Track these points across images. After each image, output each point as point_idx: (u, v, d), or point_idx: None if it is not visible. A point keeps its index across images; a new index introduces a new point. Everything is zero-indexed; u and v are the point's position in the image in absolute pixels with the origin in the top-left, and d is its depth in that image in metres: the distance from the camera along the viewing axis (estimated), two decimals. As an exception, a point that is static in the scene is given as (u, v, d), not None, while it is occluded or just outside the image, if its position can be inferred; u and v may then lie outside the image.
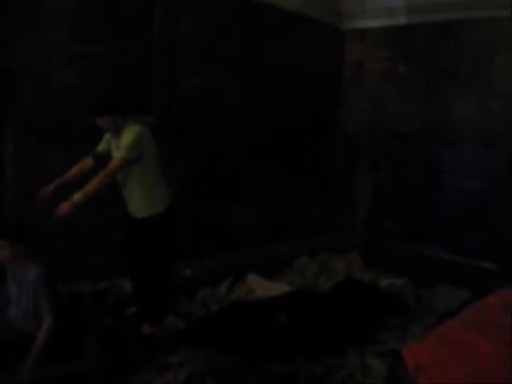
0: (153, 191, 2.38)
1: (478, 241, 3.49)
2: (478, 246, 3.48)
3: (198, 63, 3.14)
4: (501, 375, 1.61)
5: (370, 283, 3.19)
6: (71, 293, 2.49)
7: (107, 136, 2.42)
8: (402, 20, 3.82)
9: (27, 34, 2.43)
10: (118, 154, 2.27)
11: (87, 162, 2.40)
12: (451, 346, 1.77)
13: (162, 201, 2.41)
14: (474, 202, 3.54)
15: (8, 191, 2.50)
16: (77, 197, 2.12)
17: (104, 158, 2.37)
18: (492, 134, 3.49)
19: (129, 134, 2.26)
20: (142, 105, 2.91)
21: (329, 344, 2.52)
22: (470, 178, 3.57)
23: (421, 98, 3.80)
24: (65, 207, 2.10)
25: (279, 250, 3.50)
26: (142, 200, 2.37)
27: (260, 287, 3.04)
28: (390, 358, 2.21)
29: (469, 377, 1.64)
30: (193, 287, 2.92)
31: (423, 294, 3.18)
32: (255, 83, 3.49)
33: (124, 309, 2.58)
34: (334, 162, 4.19)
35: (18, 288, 2.04)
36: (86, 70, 2.63)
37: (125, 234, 2.47)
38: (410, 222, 3.79)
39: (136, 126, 2.31)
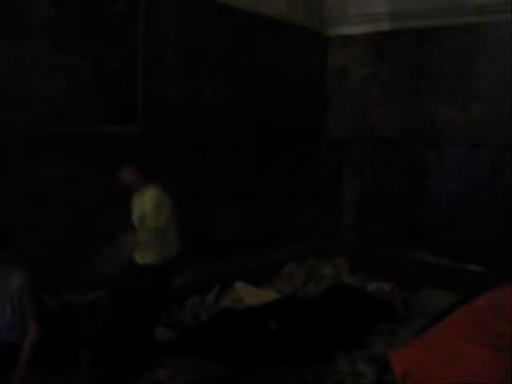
0: (165, 243, 2.42)
1: (464, 243, 3.53)
2: (464, 249, 3.51)
3: (181, 71, 3.14)
4: (489, 380, 1.62)
5: (358, 288, 3.21)
6: (60, 304, 2.47)
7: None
8: (384, 26, 3.86)
9: (7, 45, 2.40)
10: (149, 224, 2.34)
11: None
12: (438, 351, 1.78)
13: (170, 251, 2.44)
14: (459, 205, 3.57)
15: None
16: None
17: None
18: (475, 137, 3.53)
19: (150, 201, 2.37)
20: (125, 114, 2.90)
21: (318, 350, 2.53)
22: (455, 180, 3.60)
23: (404, 102, 3.83)
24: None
25: (266, 255, 3.50)
26: (152, 249, 2.40)
27: (248, 295, 3.03)
28: (379, 364, 2.22)
29: (456, 382, 1.65)
30: (181, 296, 2.90)
31: (411, 298, 3.20)
32: (240, 90, 3.50)
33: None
34: (321, 167, 4.20)
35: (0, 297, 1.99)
36: (68, 80, 2.61)
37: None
38: (397, 225, 3.81)
39: (153, 190, 2.40)
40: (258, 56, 3.60)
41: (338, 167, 4.15)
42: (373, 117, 3.96)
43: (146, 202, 2.39)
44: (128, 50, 2.88)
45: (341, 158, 4.14)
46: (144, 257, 2.42)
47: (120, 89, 2.86)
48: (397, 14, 3.78)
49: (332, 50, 4.14)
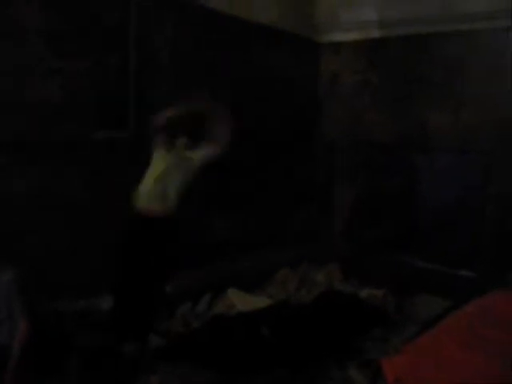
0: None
1: (456, 249, 3.54)
2: (456, 254, 3.52)
3: (173, 77, 3.14)
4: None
5: (351, 294, 3.21)
6: (49, 311, 2.46)
7: None
8: (375, 33, 3.88)
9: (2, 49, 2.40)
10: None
11: None
12: (431, 357, 1.78)
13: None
14: (451, 210, 3.59)
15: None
16: None
17: None
18: (466, 143, 3.55)
19: None
20: (118, 119, 2.90)
21: (311, 356, 2.53)
22: (446, 185, 3.62)
23: (396, 107, 3.85)
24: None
25: (259, 261, 3.49)
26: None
27: (241, 301, 3.03)
28: (371, 370, 2.23)
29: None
30: (173, 302, 2.89)
31: (403, 304, 3.21)
32: (232, 96, 3.50)
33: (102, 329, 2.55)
34: (314, 172, 4.21)
35: None
36: (62, 84, 2.61)
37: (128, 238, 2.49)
38: (389, 230, 3.82)
39: None
40: (251, 62, 3.61)
41: (330, 172, 4.16)
42: (365, 122, 3.98)
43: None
44: (120, 56, 2.89)
45: (333, 163, 4.15)
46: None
47: (112, 95, 2.87)
48: (388, 21, 3.81)
49: (324, 57, 4.15)
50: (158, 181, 2.54)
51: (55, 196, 2.61)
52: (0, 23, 2.40)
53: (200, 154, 2.68)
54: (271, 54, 3.75)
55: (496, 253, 3.32)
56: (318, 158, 4.23)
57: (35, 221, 2.54)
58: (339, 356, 2.54)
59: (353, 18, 3.95)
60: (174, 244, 2.57)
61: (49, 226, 2.60)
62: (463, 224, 3.53)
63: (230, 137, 2.74)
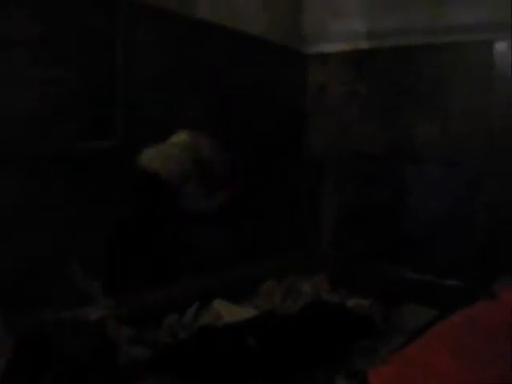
0: None
1: (444, 259, 3.55)
2: (444, 265, 3.53)
3: (160, 86, 3.14)
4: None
5: (338, 304, 3.19)
6: (30, 322, 2.41)
7: None
8: (363, 44, 3.91)
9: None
10: None
11: None
12: (418, 367, 1.77)
13: None
14: (439, 220, 3.60)
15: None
16: None
17: None
18: (455, 154, 3.57)
19: None
20: (104, 128, 2.88)
21: (297, 366, 2.51)
22: (435, 196, 3.63)
23: (384, 119, 3.87)
24: None
25: (245, 273, 3.48)
26: None
27: (227, 312, 3.00)
28: (358, 381, 2.21)
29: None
30: (158, 314, 2.86)
31: (390, 314, 3.19)
32: (219, 106, 3.50)
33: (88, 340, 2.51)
34: (301, 183, 4.21)
35: None
36: (48, 93, 2.59)
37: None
38: (377, 242, 3.83)
39: None
40: (238, 72, 3.62)
41: (318, 183, 4.17)
42: (353, 133, 3.99)
43: None
44: (107, 65, 2.88)
45: (321, 174, 4.16)
46: None
47: (98, 104, 2.85)
48: (376, 32, 3.84)
49: (312, 68, 4.18)
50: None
51: (40, 208, 2.57)
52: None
53: None
54: (258, 64, 3.77)
55: (484, 263, 3.33)
56: (305, 169, 4.23)
57: (21, 233, 2.51)
58: (326, 366, 2.52)
59: (341, 29, 3.98)
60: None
61: (34, 238, 2.57)
62: (451, 234, 3.54)
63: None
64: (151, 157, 2.64)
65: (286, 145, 4.09)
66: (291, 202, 4.14)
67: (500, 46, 3.40)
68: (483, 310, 2.10)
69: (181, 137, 2.86)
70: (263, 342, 2.61)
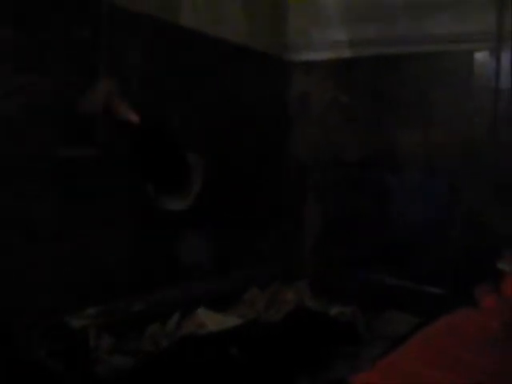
0: None
1: (425, 266, 3.57)
2: (425, 272, 3.56)
3: (145, 95, 3.12)
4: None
5: (320, 312, 3.20)
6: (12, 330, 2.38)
7: None
8: (346, 53, 3.94)
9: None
10: None
11: None
12: (398, 374, 1.78)
13: None
14: (420, 228, 3.63)
15: None
16: None
17: None
18: (435, 162, 3.61)
19: None
20: (87, 136, 2.86)
21: (281, 375, 2.50)
22: (416, 204, 3.67)
23: (366, 127, 3.90)
24: None
25: (228, 281, 3.47)
26: None
27: (211, 321, 2.99)
28: (341, 388, 2.21)
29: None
30: (141, 322, 2.84)
31: (373, 321, 3.21)
32: (203, 114, 3.50)
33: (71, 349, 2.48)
34: (283, 192, 4.22)
35: None
36: (27, 102, 2.56)
37: None
38: (358, 249, 3.84)
39: None
40: (220, 81, 3.62)
41: (300, 192, 4.18)
42: (335, 141, 4.01)
43: None
44: (90, 74, 2.86)
45: (303, 183, 4.17)
46: None
47: (79, 112, 2.82)
48: (358, 41, 3.88)
49: (294, 76, 4.20)
50: None
51: (18, 220, 2.54)
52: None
53: None
54: (241, 73, 3.77)
55: (464, 270, 3.36)
56: (288, 177, 4.24)
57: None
58: (309, 374, 2.52)
59: (324, 37, 4.01)
60: None
61: (11, 249, 2.53)
62: (432, 241, 3.57)
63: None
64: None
65: (268, 152, 4.10)
66: (273, 209, 4.14)
67: (480, 56, 3.45)
68: (464, 317, 2.12)
69: None
70: (247, 351, 2.60)
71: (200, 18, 3.42)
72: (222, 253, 3.59)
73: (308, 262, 4.05)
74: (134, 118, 2.53)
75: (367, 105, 3.90)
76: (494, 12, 3.33)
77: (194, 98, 3.44)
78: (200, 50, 3.45)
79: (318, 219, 4.09)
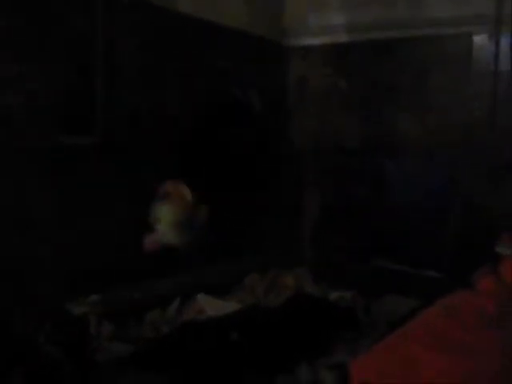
0: None
1: (423, 251, 3.59)
2: (423, 256, 3.57)
3: (141, 83, 3.12)
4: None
5: (320, 297, 3.21)
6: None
7: None
8: (343, 38, 3.92)
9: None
10: None
11: None
12: (396, 357, 1.80)
13: None
14: (418, 213, 3.64)
15: None
16: None
17: None
18: (433, 147, 3.61)
19: None
20: (83, 125, 2.86)
21: (281, 360, 2.52)
22: (414, 189, 3.67)
23: (364, 113, 3.89)
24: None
25: (228, 268, 3.48)
26: None
27: (210, 307, 3.01)
28: (340, 371, 2.23)
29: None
30: (141, 310, 2.86)
31: (372, 305, 3.22)
32: (200, 102, 3.49)
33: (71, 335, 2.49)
34: (281, 179, 4.21)
35: None
36: (22, 91, 2.56)
37: None
38: (357, 235, 3.85)
39: None
40: (218, 67, 3.61)
41: (299, 179, 4.17)
42: (333, 127, 4.00)
43: None
44: (86, 62, 2.85)
45: (302, 170, 4.16)
46: None
47: (78, 101, 2.83)
48: (356, 25, 3.85)
49: (292, 61, 4.18)
50: None
51: (14, 208, 2.54)
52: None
53: None
54: (239, 58, 3.75)
55: (461, 254, 3.38)
56: (286, 164, 4.23)
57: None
58: (309, 358, 2.54)
59: (321, 22, 3.99)
60: None
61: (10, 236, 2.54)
62: (430, 227, 3.58)
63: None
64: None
65: (267, 141, 4.09)
66: (272, 198, 4.14)
67: (479, 39, 3.44)
68: (462, 300, 2.13)
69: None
70: (246, 336, 2.62)
71: (198, 4, 3.41)
72: (222, 239, 3.60)
73: (308, 249, 4.06)
74: None
75: (366, 90, 3.88)
76: (492, -5, 3.31)
77: (192, 84, 3.44)
78: (198, 36, 3.43)
79: (318, 205, 4.10)
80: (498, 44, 3.38)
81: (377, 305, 3.21)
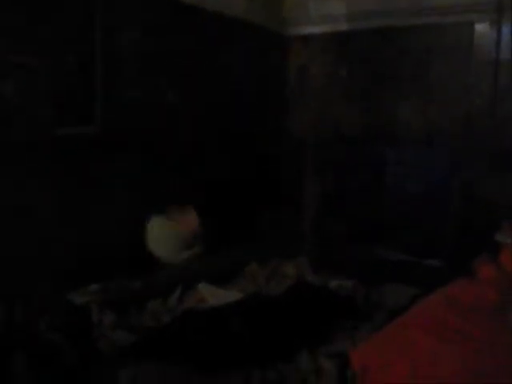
0: None
1: (423, 239, 3.59)
2: (423, 245, 3.58)
3: (141, 72, 3.11)
4: (447, 375, 1.64)
5: (320, 286, 3.22)
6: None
7: None
8: (343, 26, 3.90)
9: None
10: None
11: None
12: (395, 345, 1.81)
13: None
14: (418, 202, 3.64)
15: None
16: None
17: None
18: (433, 136, 3.60)
19: None
20: (83, 114, 2.85)
21: (282, 348, 2.53)
22: (414, 178, 3.67)
23: (365, 101, 3.88)
24: None
25: (229, 257, 3.48)
26: None
27: (211, 295, 3.01)
28: (340, 360, 2.24)
29: (414, 376, 1.68)
30: (142, 299, 2.87)
31: (372, 293, 3.23)
32: (200, 91, 3.49)
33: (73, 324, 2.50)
34: (282, 168, 4.21)
35: None
36: (21, 81, 2.55)
37: None
38: (358, 224, 3.85)
39: None
40: (219, 56, 3.60)
41: (299, 167, 4.17)
42: (334, 116, 3.99)
43: None
44: (85, 51, 2.84)
45: (302, 158, 4.16)
46: None
47: (76, 90, 2.81)
48: (357, 14, 3.83)
49: (292, 50, 4.16)
50: None
51: (13, 201, 2.55)
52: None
53: None
54: (238, 47, 3.74)
55: (461, 243, 3.38)
56: (286, 153, 4.23)
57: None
58: (310, 347, 2.55)
59: (322, 10, 3.97)
60: None
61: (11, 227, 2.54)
62: (430, 215, 3.58)
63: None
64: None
65: (267, 130, 4.09)
66: (272, 187, 4.14)
67: (480, 28, 3.41)
68: (462, 288, 2.14)
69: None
70: (248, 325, 2.63)
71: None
72: (222, 228, 3.61)
73: (308, 237, 4.06)
74: None
75: (366, 79, 3.87)
76: (494, -18, 3.29)
77: (192, 73, 3.43)
78: (198, 25, 3.42)
79: (317, 194, 4.10)
80: (499, 32, 3.36)
81: (377, 293, 3.22)
